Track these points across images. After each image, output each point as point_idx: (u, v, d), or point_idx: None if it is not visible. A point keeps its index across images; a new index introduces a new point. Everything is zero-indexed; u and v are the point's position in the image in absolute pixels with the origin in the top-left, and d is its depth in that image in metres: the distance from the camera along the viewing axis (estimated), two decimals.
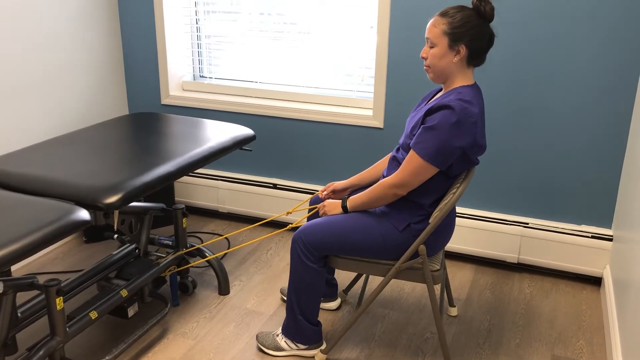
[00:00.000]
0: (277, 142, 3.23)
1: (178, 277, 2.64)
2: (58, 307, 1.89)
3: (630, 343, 1.93)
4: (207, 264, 2.89)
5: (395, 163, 2.09)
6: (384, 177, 2.17)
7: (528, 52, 2.65)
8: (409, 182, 1.97)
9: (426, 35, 1.96)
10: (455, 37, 1.90)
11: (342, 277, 2.85)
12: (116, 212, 1.98)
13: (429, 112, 1.93)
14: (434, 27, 1.93)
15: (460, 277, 2.87)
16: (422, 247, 2.02)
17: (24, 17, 2.75)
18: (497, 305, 2.65)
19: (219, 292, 2.69)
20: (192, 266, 2.90)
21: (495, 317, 2.56)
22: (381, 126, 2.98)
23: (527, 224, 2.83)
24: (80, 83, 3.12)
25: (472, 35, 1.90)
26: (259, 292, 2.71)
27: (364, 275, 2.67)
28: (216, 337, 2.39)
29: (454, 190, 1.99)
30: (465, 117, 1.88)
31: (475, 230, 2.90)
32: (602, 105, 2.62)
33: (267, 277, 2.84)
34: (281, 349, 2.26)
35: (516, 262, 2.88)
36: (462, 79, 1.97)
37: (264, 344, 2.29)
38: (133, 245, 2.55)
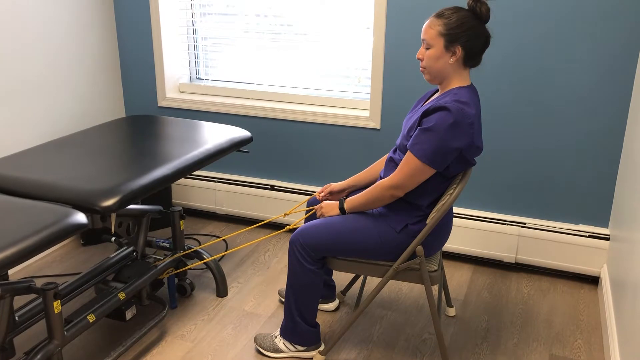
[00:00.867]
0: (274, 144, 3.23)
1: (176, 280, 2.64)
2: (55, 311, 1.89)
3: (628, 342, 1.93)
4: (205, 266, 2.89)
5: (392, 164, 2.09)
6: (381, 178, 2.17)
7: (523, 52, 2.66)
8: (406, 184, 1.97)
9: (422, 37, 1.96)
10: (451, 38, 1.90)
11: (340, 278, 2.85)
12: (113, 215, 1.97)
13: (426, 114, 1.93)
14: (429, 28, 1.93)
15: (458, 277, 2.88)
16: (420, 248, 2.03)
17: (20, 19, 2.74)
18: (495, 305, 2.65)
19: (217, 294, 2.68)
20: (189, 268, 2.89)
21: (493, 317, 2.56)
22: (378, 127, 2.98)
23: (525, 223, 2.83)
24: (76, 86, 3.12)
25: (468, 36, 1.90)
26: (257, 294, 2.71)
27: (362, 277, 2.67)
28: (214, 339, 2.39)
29: (451, 190, 2.00)
30: (461, 118, 1.88)
31: (472, 231, 2.90)
32: (598, 105, 2.62)
33: (265, 278, 2.84)
34: (279, 351, 2.26)
35: (514, 262, 2.89)
36: (459, 80, 1.98)
37: (262, 346, 2.29)
38: (130, 248, 2.55)
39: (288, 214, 2.44)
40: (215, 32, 3.31)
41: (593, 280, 2.84)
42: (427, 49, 1.95)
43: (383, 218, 2.07)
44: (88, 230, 3.11)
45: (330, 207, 2.16)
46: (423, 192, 2.03)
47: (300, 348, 2.25)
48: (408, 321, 2.53)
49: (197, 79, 3.47)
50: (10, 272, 2.83)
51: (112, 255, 2.50)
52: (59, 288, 1.91)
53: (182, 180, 3.42)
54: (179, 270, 2.56)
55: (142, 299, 2.41)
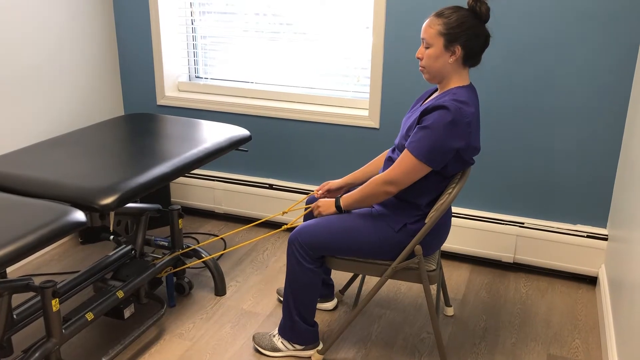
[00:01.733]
0: (273, 143, 3.23)
1: (174, 278, 2.64)
2: (54, 309, 1.89)
3: (626, 342, 1.94)
4: (204, 265, 2.89)
5: (390, 163, 2.09)
6: None
7: (523, 52, 2.66)
8: (400, 180, 1.96)
9: (422, 36, 1.96)
10: (450, 37, 1.90)
11: (339, 277, 2.85)
12: (112, 213, 1.97)
13: (425, 113, 1.93)
14: (429, 27, 1.93)
15: (456, 277, 2.88)
16: (419, 247, 2.03)
17: (19, 18, 2.74)
18: (493, 305, 2.66)
19: (215, 293, 2.68)
20: (188, 267, 2.89)
21: (491, 317, 2.56)
22: (377, 126, 2.98)
23: (523, 223, 2.84)
24: (75, 84, 3.12)
25: (468, 35, 1.90)
26: (256, 292, 2.71)
27: (361, 276, 2.67)
28: (212, 338, 2.39)
29: (450, 190, 2.00)
30: (460, 117, 1.88)
31: (471, 230, 2.90)
32: (597, 106, 2.62)
33: (263, 277, 2.84)
34: (278, 350, 2.26)
35: (512, 261, 2.89)
36: (458, 80, 1.98)
37: (260, 345, 2.29)
38: (129, 247, 2.55)
39: (286, 212, 2.44)
40: (214, 30, 3.30)
41: (591, 280, 2.85)
42: (427, 48, 1.95)
43: (382, 217, 2.07)
44: (86, 229, 3.11)
45: (326, 205, 2.16)
46: (422, 191, 2.03)
47: (298, 347, 2.25)
48: (406, 320, 2.53)
49: (196, 77, 3.47)
50: (8, 270, 2.83)
51: (110, 254, 2.50)
52: (58, 286, 1.91)
53: (181, 179, 3.42)
54: (178, 269, 2.57)
55: (141, 298, 2.41)
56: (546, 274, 2.91)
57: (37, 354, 1.86)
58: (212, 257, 2.66)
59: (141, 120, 2.70)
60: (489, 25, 2.65)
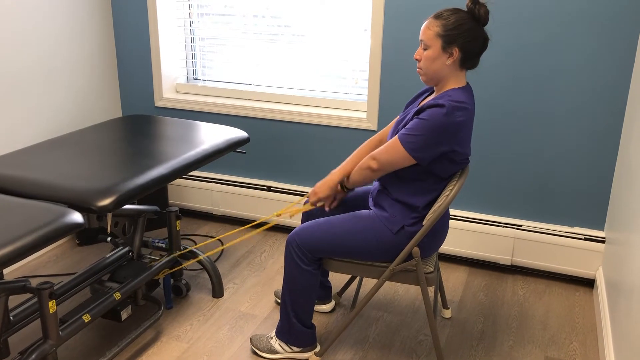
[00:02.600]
0: (271, 145, 3.23)
1: (172, 280, 2.64)
2: (51, 311, 1.88)
3: (623, 344, 1.94)
4: (201, 267, 2.88)
5: None
6: None
7: (521, 54, 2.67)
8: (383, 160, 1.99)
9: (420, 37, 1.96)
10: (448, 39, 1.91)
11: (336, 279, 2.85)
12: (109, 215, 1.97)
13: (420, 110, 1.94)
14: (427, 29, 1.94)
15: (453, 279, 2.88)
16: (416, 249, 2.03)
17: (16, 19, 2.74)
18: (491, 307, 2.66)
19: (212, 295, 2.68)
20: (185, 268, 2.89)
21: (489, 319, 2.56)
22: (375, 128, 2.98)
23: (521, 226, 2.84)
24: (73, 85, 3.11)
25: (466, 37, 1.91)
26: (253, 294, 2.71)
27: (358, 278, 2.67)
28: (210, 340, 2.38)
29: (448, 192, 2.00)
30: (453, 118, 1.89)
31: (468, 232, 2.91)
32: (595, 108, 2.63)
33: (261, 279, 2.84)
34: (275, 352, 2.26)
35: (509, 264, 2.89)
36: (455, 82, 1.98)
37: (257, 347, 2.28)
38: (126, 248, 2.54)
39: (280, 215, 2.44)
40: (212, 32, 3.30)
41: (588, 283, 2.85)
42: (425, 49, 1.95)
43: (380, 219, 2.07)
44: (84, 230, 3.10)
45: (323, 187, 2.17)
46: (419, 193, 2.03)
47: (295, 349, 2.24)
48: (404, 323, 2.53)
49: (194, 79, 3.47)
50: (5, 271, 2.82)
51: (107, 255, 2.50)
52: (55, 288, 1.91)
53: (179, 181, 3.41)
54: (174, 270, 2.56)
55: (138, 300, 2.41)
56: (544, 277, 2.91)
57: (33, 356, 1.86)
58: (209, 258, 2.66)
59: (139, 122, 2.69)
60: (487, 28, 2.66)
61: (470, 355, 2.33)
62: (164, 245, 2.63)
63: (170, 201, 3.49)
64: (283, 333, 2.23)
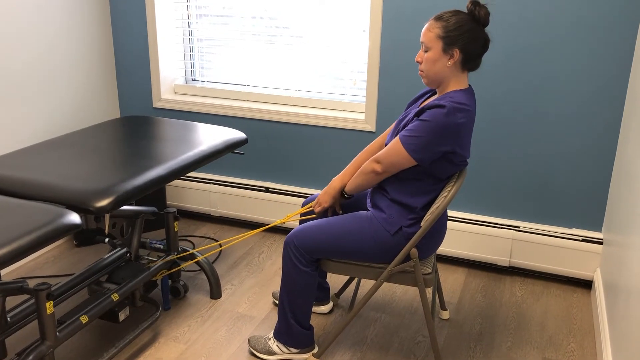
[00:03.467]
0: (269, 146, 3.23)
1: (169, 281, 2.63)
2: (48, 312, 1.88)
3: (621, 345, 1.94)
4: (199, 268, 2.88)
5: None
6: None
7: (520, 57, 2.67)
8: (385, 161, 1.99)
9: (421, 40, 1.97)
10: (449, 40, 1.91)
11: (334, 280, 2.85)
12: (107, 216, 1.97)
13: (421, 111, 1.94)
14: (428, 31, 1.94)
15: (452, 280, 2.88)
16: (414, 251, 2.03)
17: (13, 19, 2.73)
18: (489, 308, 2.66)
19: (210, 296, 2.68)
20: (183, 269, 2.89)
21: (487, 321, 2.57)
22: (373, 130, 2.98)
23: (519, 227, 2.84)
24: (71, 86, 3.11)
25: (466, 39, 1.91)
26: (251, 296, 2.71)
27: (356, 279, 2.67)
28: (208, 341, 2.38)
29: (446, 193, 2.00)
30: (453, 119, 1.89)
31: (466, 234, 2.91)
32: (593, 110, 2.63)
33: (259, 280, 2.83)
34: (273, 353, 2.26)
35: (507, 265, 2.89)
36: (456, 83, 1.98)
37: (255, 348, 2.28)
38: (124, 249, 2.54)
39: (284, 222, 2.45)
40: (211, 33, 3.30)
41: (586, 284, 2.85)
42: (426, 51, 1.96)
43: (378, 220, 2.07)
44: (82, 231, 3.10)
45: (325, 197, 2.20)
46: (417, 194, 2.03)
47: (293, 350, 2.24)
48: (402, 324, 2.53)
49: (192, 80, 3.47)
50: (2, 272, 2.82)
51: (105, 257, 2.49)
52: (52, 289, 1.90)
53: (177, 182, 3.41)
54: (172, 270, 2.56)
55: (136, 301, 2.40)
56: (541, 278, 2.92)
57: (31, 357, 1.85)
58: (207, 259, 2.66)
59: (137, 123, 2.69)
60: (488, 30, 2.66)
61: (468, 356, 2.33)
62: (161, 247, 2.62)
63: (168, 202, 3.48)
64: (281, 334, 2.23)
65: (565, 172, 2.75)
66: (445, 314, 2.57)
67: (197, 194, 3.39)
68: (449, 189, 2.01)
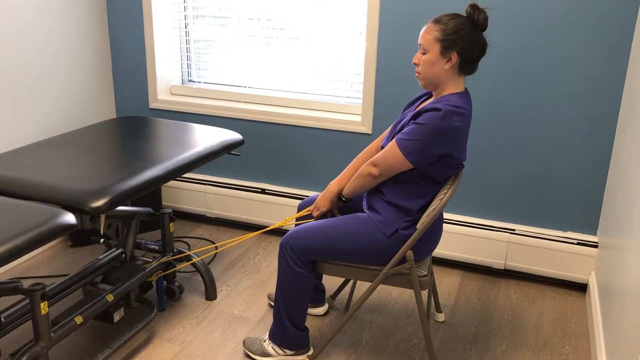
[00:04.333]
0: (266, 147, 3.22)
1: (164, 282, 2.63)
2: (42, 312, 1.87)
3: (615, 349, 1.94)
4: (194, 269, 2.87)
5: None
6: None
7: (516, 60, 2.68)
8: (382, 165, 2.00)
9: (419, 42, 1.97)
10: (447, 44, 1.91)
11: (330, 282, 2.85)
12: (102, 216, 1.96)
13: (417, 115, 1.95)
14: (426, 33, 1.94)
15: (447, 283, 2.88)
16: (410, 253, 2.03)
17: (10, 19, 2.73)
18: (484, 311, 2.66)
19: (205, 298, 2.67)
20: (178, 270, 2.88)
21: (482, 323, 2.57)
22: (369, 132, 2.99)
23: (514, 230, 2.85)
24: (67, 86, 3.10)
25: (464, 42, 1.92)
26: (246, 297, 2.70)
27: (352, 281, 2.67)
28: (203, 342, 2.37)
29: (441, 196, 2.00)
30: (449, 122, 1.89)
31: (462, 237, 2.91)
32: (588, 113, 2.64)
33: (254, 282, 2.83)
34: (268, 355, 2.25)
35: (503, 268, 2.90)
36: (453, 87, 1.99)
37: (250, 350, 2.28)
38: (119, 250, 2.53)
39: (282, 226, 2.45)
40: (207, 34, 3.30)
41: (581, 287, 2.86)
42: (424, 54, 1.96)
43: (373, 223, 2.07)
44: (77, 231, 3.09)
45: (322, 202, 2.19)
46: (413, 196, 2.04)
47: (289, 352, 2.24)
48: (397, 326, 2.53)
49: (189, 81, 3.46)
50: None
51: (100, 257, 2.48)
52: (47, 289, 1.90)
53: (172, 183, 3.41)
54: (168, 272, 2.55)
55: (131, 301, 2.40)
56: (537, 281, 2.92)
57: (24, 358, 1.85)
58: (202, 260, 2.65)
59: (133, 123, 2.69)
60: (486, 34, 2.67)
61: (463, 359, 2.33)
62: (157, 247, 2.62)
63: (164, 203, 3.48)
64: (276, 336, 2.22)
65: (561, 175, 2.75)
66: (441, 317, 2.57)
67: (193, 195, 3.38)
68: (445, 191, 2.01)
